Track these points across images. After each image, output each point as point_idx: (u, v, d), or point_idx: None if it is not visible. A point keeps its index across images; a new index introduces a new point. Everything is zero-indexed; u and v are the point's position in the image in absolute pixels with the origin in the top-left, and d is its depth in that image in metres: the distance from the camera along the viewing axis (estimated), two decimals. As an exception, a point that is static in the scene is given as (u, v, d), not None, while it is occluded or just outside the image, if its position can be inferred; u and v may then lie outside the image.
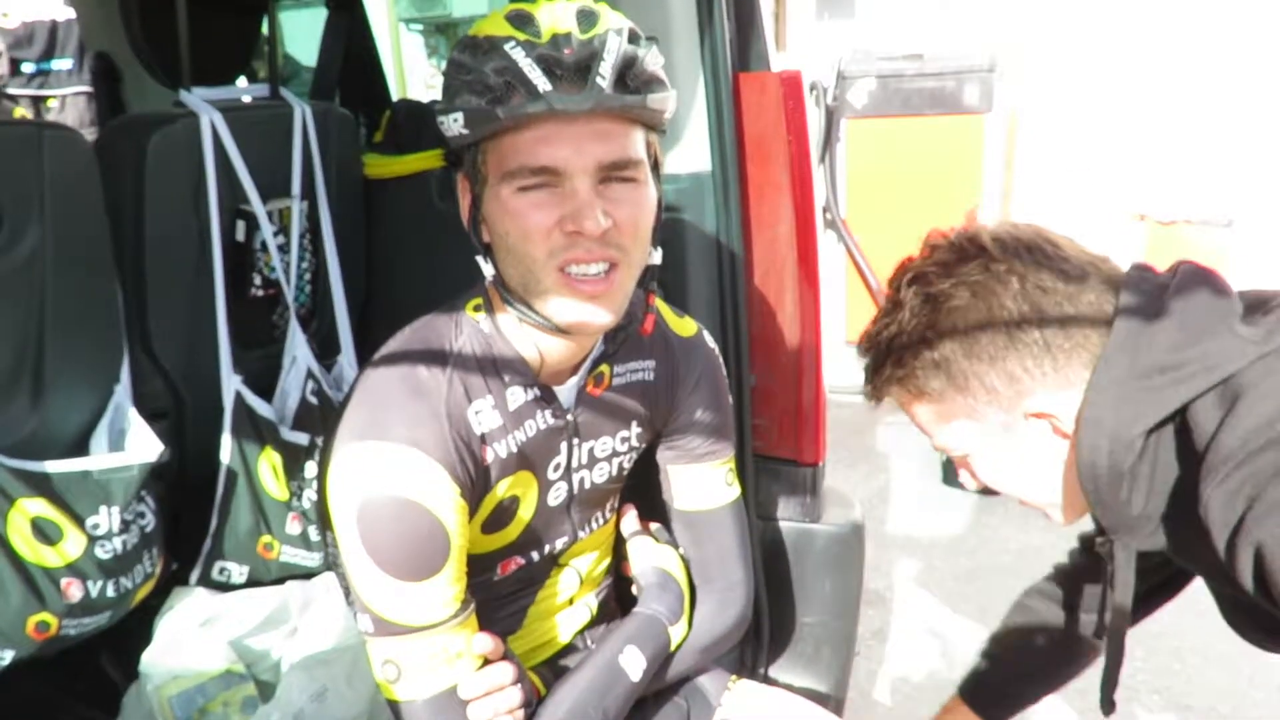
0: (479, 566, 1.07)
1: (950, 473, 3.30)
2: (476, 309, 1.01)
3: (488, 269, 0.95)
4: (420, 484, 0.92)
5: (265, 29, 1.81)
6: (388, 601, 0.92)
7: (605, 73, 0.85)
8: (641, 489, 1.25)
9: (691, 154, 1.41)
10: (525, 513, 1.08)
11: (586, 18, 0.88)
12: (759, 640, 1.53)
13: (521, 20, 0.87)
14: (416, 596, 0.92)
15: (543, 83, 0.84)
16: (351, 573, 0.93)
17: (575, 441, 1.08)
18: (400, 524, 0.91)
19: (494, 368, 0.99)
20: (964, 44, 4.16)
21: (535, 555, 1.13)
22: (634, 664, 1.06)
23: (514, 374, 1.00)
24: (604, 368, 1.08)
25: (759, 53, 1.40)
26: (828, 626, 1.56)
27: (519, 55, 0.85)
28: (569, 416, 1.06)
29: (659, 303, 1.16)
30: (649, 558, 1.18)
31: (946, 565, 2.82)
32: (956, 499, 3.22)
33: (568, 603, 1.22)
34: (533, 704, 1.01)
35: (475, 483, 0.98)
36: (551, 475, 1.08)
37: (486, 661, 0.98)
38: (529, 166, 0.87)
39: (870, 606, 2.50)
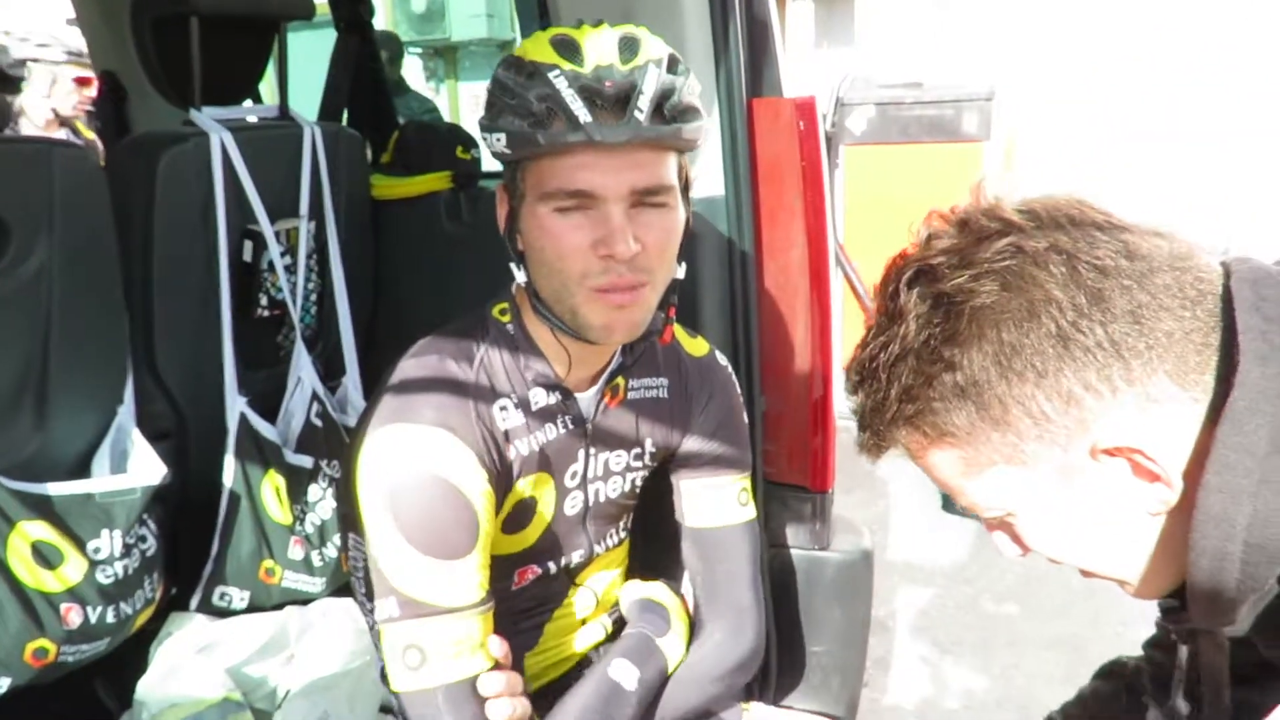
0: (497, 572, 1.08)
1: (951, 500, 3.30)
2: (502, 313, 1.05)
3: (520, 276, 0.99)
4: (451, 464, 0.95)
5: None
6: (418, 580, 0.93)
7: (643, 106, 0.89)
8: (652, 507, 1.25)
9: (705, 179, 1.41)
10: (543, 517, 1.10)
11: (628, 47, 0.91)
12: (766, 669, 1.51)
13: (566, 48, 0.90)
14: (447, 576, 0.94)
15: (584, 113, 0.88)
16: (381, 555, 0.94)
17: (593, 451, 1.11)
18: (433, 501, 0.94)
19: (518, 368, 1.03)
20: (962, 73, 4.21)
21: (552, 566, 1.15)
22: (626, 676, 1.07)
23: (538, 375, 1.04)
24: (620, 380, 1.11)
25: (772, 79, 1.41)
26: (836, 655, 1.54)
27: (562, 84, 0.88)
28: (588, 425, 1.09)
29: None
30: (635, 593, 1.20)
31: (948, 593, 2.80)
32: (957, 525, 3.20)
33: (582, 623, 1.23)
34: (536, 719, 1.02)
35: (500, 476, 1.01)
36: (569, 483, 1.11)
37: (498, 665, 0.98)
38: (566, 190, 0.91)
39: (872, 634, 2.47)
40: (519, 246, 0.99)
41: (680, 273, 1.03)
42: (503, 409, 1.02)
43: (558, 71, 0.89)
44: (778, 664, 1.52)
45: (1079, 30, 4.49)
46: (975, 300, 0.64)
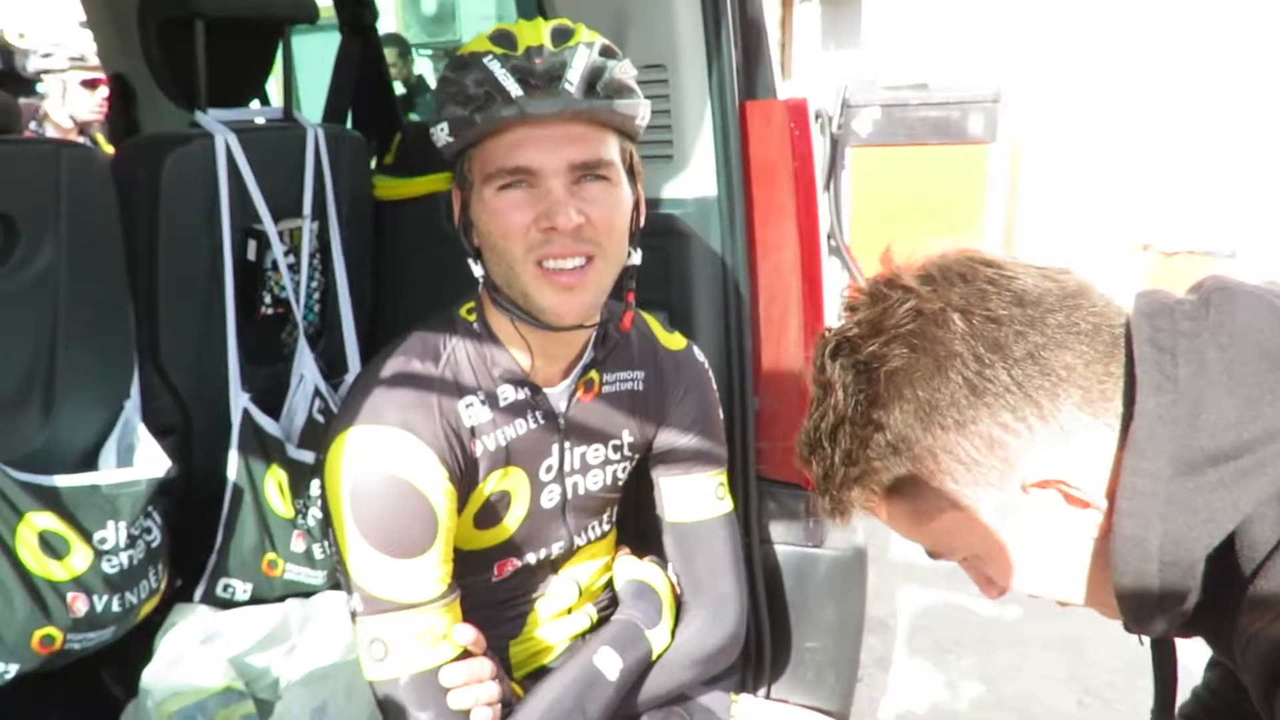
0: (475, 565, 1.12)
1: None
2: (470, 311, 1.08)
3: (477, 270, 1.02)
4: (410, 464, 0.98)
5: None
6: (377, 578, 0.97)
7: (574, 80, 0.93)
8: (635, 502, 1.28)
9: (698, 180, 1.43)
10: (518, 511, 1.12)
11: (560, 33, 0.96)
12: (760, 664, 1.53)
13: (500, 37, 0.96)
14: (405, 573, 0.97)
15: (515, 90, 0.92)
16: (345, 551, 0.98)
17: (568, 445, 1.13)
18: (390, 501, 0.97)
19: (485, 364, 1.06)
20: (968, 74, 4.21)
21: (532, 558, 1.16)
22: (610, 664, 1.09)
23: (504, 371, 1.06)
24: (594, 374, 1.13)
25: (765, 81, 1.43)
26: (830, 651, 1.55)
27: (495, 67, 0.93)
28: (560, 420, 1.10)
29: (649, 318, 1.22)
30: (629, 572, 1.22)
31: (949, 592, 2.80)
32: (960, 526, 3.21)
33: (566, 612, 1.24)
34: (510, 703, 1.04)
35: (464, 473, 1.04)
36: (544, 477, 1.12)
37: (467, 653, 1.00)
38: (506, 168, 0.95)
39: (872, 634, 2.49)
40: (474, 242, 1.02)
41: (636, 259, 1.05)
42: (469, 405, 1.04)
43: (491, 56, 0.94)
44: (771, 659, 1.54)
45: (1085, 32, 4.48)
46: (888, 364, 0.71)
